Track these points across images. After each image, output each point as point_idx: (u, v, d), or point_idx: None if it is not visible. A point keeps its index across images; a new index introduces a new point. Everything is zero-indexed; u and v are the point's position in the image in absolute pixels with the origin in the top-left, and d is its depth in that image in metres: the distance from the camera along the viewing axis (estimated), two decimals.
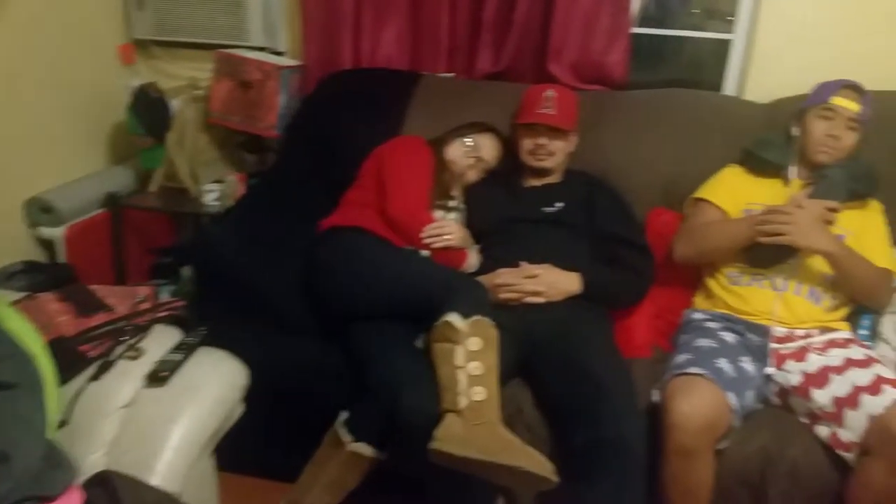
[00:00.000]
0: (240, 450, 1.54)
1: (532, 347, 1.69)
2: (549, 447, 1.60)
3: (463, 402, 1.44)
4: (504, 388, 1.63)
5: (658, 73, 2.50)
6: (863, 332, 1.80)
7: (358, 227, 1.83)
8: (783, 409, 1.68)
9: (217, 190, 2.29)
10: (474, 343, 1.49)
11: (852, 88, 1.83)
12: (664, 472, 1.54)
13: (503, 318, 1.65)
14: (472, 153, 2.01)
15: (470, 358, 1.48)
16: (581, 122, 2.07)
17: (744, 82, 2.29)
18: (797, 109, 1.90)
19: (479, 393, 1.45)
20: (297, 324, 1.83)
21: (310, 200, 2.10)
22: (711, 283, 1.88)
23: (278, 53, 2.48)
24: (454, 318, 1.51)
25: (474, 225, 1.97)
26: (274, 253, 1.93)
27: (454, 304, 1.54)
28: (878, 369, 1.56)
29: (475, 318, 1.52)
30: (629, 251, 1.90)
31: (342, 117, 2.25)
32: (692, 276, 1.96)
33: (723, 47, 2.36)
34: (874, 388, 1.50)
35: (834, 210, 1.73)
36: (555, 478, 1.40)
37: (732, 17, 2.33)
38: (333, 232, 1.86)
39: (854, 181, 1.79)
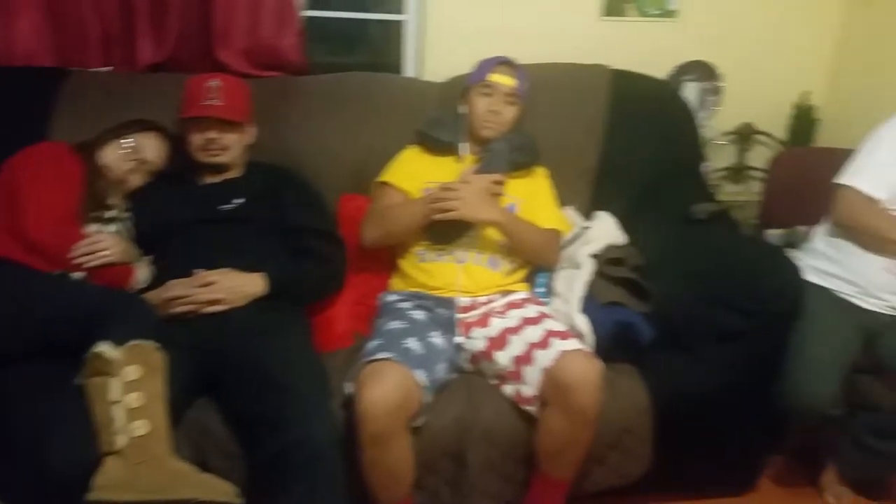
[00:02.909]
0: None
1: (216, 360, 1.55)
2: (244, 464, 1.50)
3: (122, 441, 1.27)
4: (187, 410, 1.51)
5: (341, 57, 2.49)
6: (539, 290, 1.93)
7: None
8: (476, 374, 1.75)
9: None
10: (132, 372, 1.32)
11: (507, 64, 1.93)
12: (362, 459, 1.51)
13: (179, 335, 1.53)
14: (132, 155, 1.79)
15: (128, 389, 1.31)
16: (260, 111, 1.96)
17: (422, 63, 2.34)
18: (462, 88, 1.97)
19: (140, 427, 1.29)
20: None
21: None
22: (403, 263, 1.90)
23: None
24: (105, 348, 1.32)
25: (144, 234, 1.77)
26: None
27: (106, 331, 1.35)
28: (549, 324, 1.68)
29: (132, 343, 1.35)
30: (319, 241, 1.84)
31: None
32: (390, 259, 1.96)
33: (399, 28, 2.37)
34: (544, 343, 1.61)
35: (500, 182, 1.82)
36: (237, 499, 1.30)
37: None
38: None
39: (516, 152, 1.90)
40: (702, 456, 1.85)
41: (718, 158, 2.60)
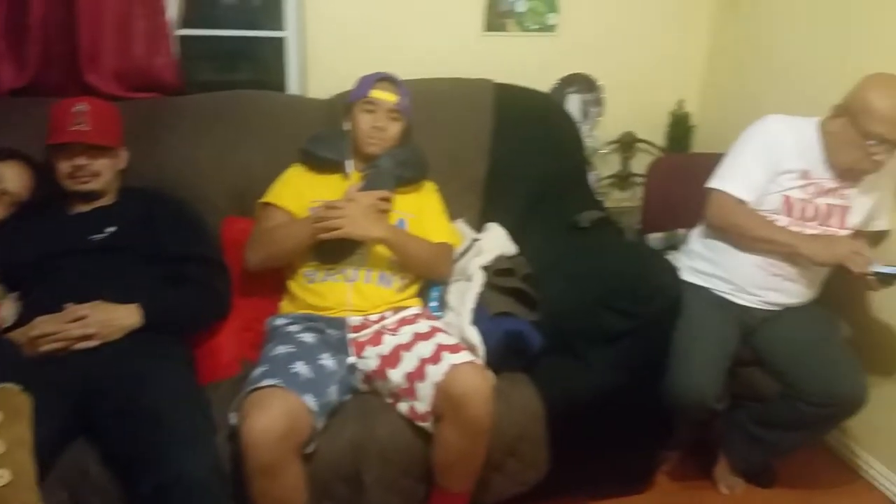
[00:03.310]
0: None
1: (91, 399, 1.48)
2: None
3: None
4: (63, 453, 1.44)
5: (226, 75, 2.44)
6: (433, 304, 1.95)
7: None
8: (372, 394, 1.75)
9: None
10: None
11: (388, 80, 1.95)
12: (251, 490, 1.48)
13: (50, 374, 1.45)
14: None
15: None
16: (133, 135, 1.91)
17: (305, 80, 2.33)
18: (345, 105, 1.98)
19: (2, 477, 1.21)
20: None
21: None
22: (292, 285, 1.87)
23: None
24: None
25: (8, 269, 1.67)
26: None
27: None
28: (440, 338, 1.69)
29: None
30: (199, 267, 1.79)
31: None
32: (279, 282, 1.93)
33: (281, 45, 2.36)
34: (435, 357, 1.62)
35: (386, 198, 1.83)
36: None
37: (282, 14, 2.34)
38: None
39: (402, 168, 1.92)
40: (598, 457, 1.90)
41: (604, 167, 2.72)
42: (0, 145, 1.77)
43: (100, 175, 1.77)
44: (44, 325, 1.53)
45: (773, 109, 2.01)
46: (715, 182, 1.99)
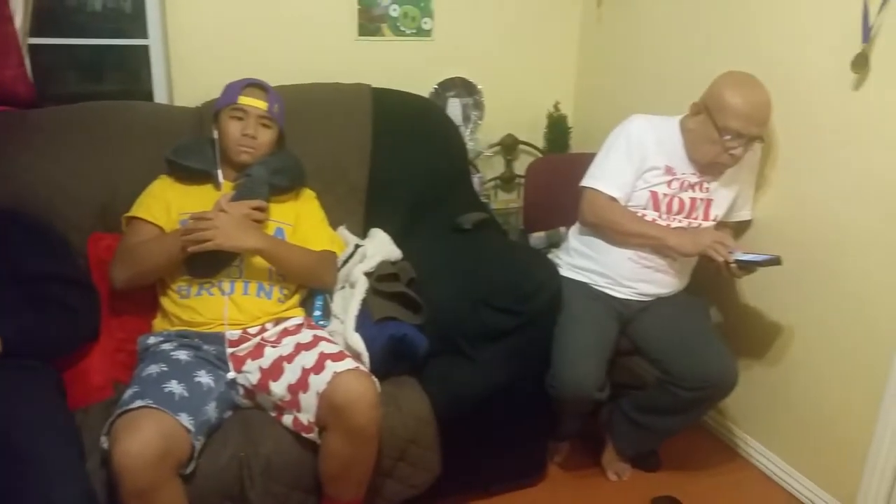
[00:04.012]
0: None
1: None
2: None
3: None
4: None
5: (88, 87, 2.34)
6: (317, 313, 1.96)
7: None
8: (256, 409, 1.73)
9: None
10: None
11: (256, 86, 1.93)
12: None
13: None
14: None
15: None
16: None
17: (172, 88, 2.28)
18: (213, 112, 1.95)
19: None
20: None
21: None
22: (165, 302, 1.83)
23: None
24: None
25: None
26: None
27: None
28: (324, 347, 1.69)
29: None
30: (61, 288, 1.71)
31: None
32: (152, 300, 1.87)
33: (138, 54, 2.30)
34: (318, 366, 1.62)
35: (261, 208, 1.82)
36: None
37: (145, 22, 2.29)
38: None
39: (276, 176, 1.91)
40: (489, 453, 1.97)
41: (489, 169, 2.81)
42: None
43: None
44: None
45: (641, 109, 2.15)
46: (587, 181, 2.10)
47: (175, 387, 1.54)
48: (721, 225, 2.15)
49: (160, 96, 2.31)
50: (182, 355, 1.67)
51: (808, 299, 2.04)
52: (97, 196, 1.96)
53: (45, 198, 1.90)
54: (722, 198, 2.09)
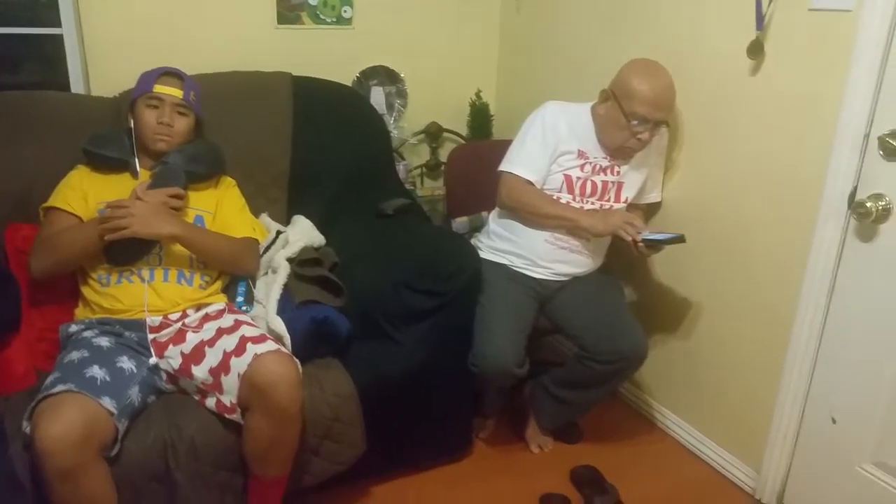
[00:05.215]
0: None
1: None
2: None
3: None
4: None
5: (4, 77, 2.37)
6: (239, 298, 2.04)
7: None
8: (179, 393, 1.81)
9: None
10: None
11: (171, 75, 2.01)
12: (52, 498, 1.51)
13: None
14: None
15: None
16: None
17: (89, 78, 2.33)
18: (129, 101, 2.02)
19: None
20: None
21: None
22: (86, 290, 1.89)
23: None
24: None
25: None
26: None
27: None
28: (245, 330, 1.78)
29: None
30: None
31: None
32: (73, 288, 1.93)
33: (54, 43, 2.33)
34: (239, 349, 1.71)
35: (178, 195, 1.90)
36: None
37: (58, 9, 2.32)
38: None
39: (193, 163, 1.99)
40: (413, 430, 2.10)
41: (414, 157, 2.93)
42: None
43: None
44: None
45: (560, 96, 2.30)
46: (504, 165, 2.24)
47: (97, 371, 1.62)
48: (633, 207, 2.32)
49: (77, 86, 2.35)
50: (104, 342, 1.74)
51: (712, 276, 2.23)
52: (14, 186, 2.01)
53: None
54: (632, 181, 2.26)
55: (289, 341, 1.85)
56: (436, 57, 2.89)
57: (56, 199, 1.91)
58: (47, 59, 2.42)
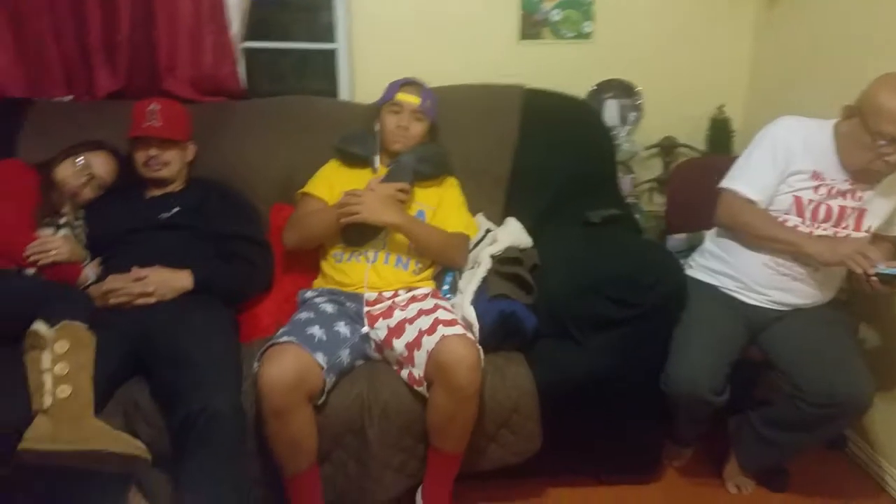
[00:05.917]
0: None
1: (144, 344, 1.91)
2: (167, 433, 1.82)
3: (48, 401, 1.63)
4: (121, 386, 1.88)
5: (286, 84, 2.91)
6: (445, 287, 2.27)
7: None
8: (383, 362, 2.07)
9: None
10: (60, 346, 1.69)
11: (412, 84, 2.31)
12: (265, 430, 1.84)
13: (116, 321, 1.90)
14: (83, 171, 2.20)
15: (56, 360, 1.68)
16: (202, 132, 2.38)
17: (354, 87, 2.75)
18: (377, 108, 2.35)
19: (64, 391, 1.65)
20: None
21: None
22: (324, 264, 2.25)
23: None
24: (38, 326, 1.70)
25: (95, 239, 2.16)
26: None
27: (43, 314, 1.73)
28: (440, 314, 1.98)
29: (63, 323, 1.73)
30: (245, 246, 2.21)
31: None
32: (315, 261, 2.31)
33: (332, 56, 2.80)
34: (432, 329, 1.92)
35: (404, 190, 2.17)
36: (146, 454, 1.66)
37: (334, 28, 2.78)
38: None
39: (423, 164, 2.25)
40: (593, 439, 2.14)
41: (644, 171, 2.92)
42: (92, 138, 2.28)
43: (169, 164, 2.25)
44: (113, 282, 1.99)
45: (818, 115, 2.12)
46: (726, 182, 2.16)
47: (317, 331, 1.93)
48: (880, 239, 2.10)
49: (344, 93, 2.79)
50: (329, 308, 2.07)
51: None
52: (282, 173, 2.46)
53: (244, 171, 2.44)
54: (878, 208, 2.05)
55: (477, 329, 2.01)
56: (676, 71, 2.87)
57: (309, 186, 2.30)
58: (320, 70, 2.91)
